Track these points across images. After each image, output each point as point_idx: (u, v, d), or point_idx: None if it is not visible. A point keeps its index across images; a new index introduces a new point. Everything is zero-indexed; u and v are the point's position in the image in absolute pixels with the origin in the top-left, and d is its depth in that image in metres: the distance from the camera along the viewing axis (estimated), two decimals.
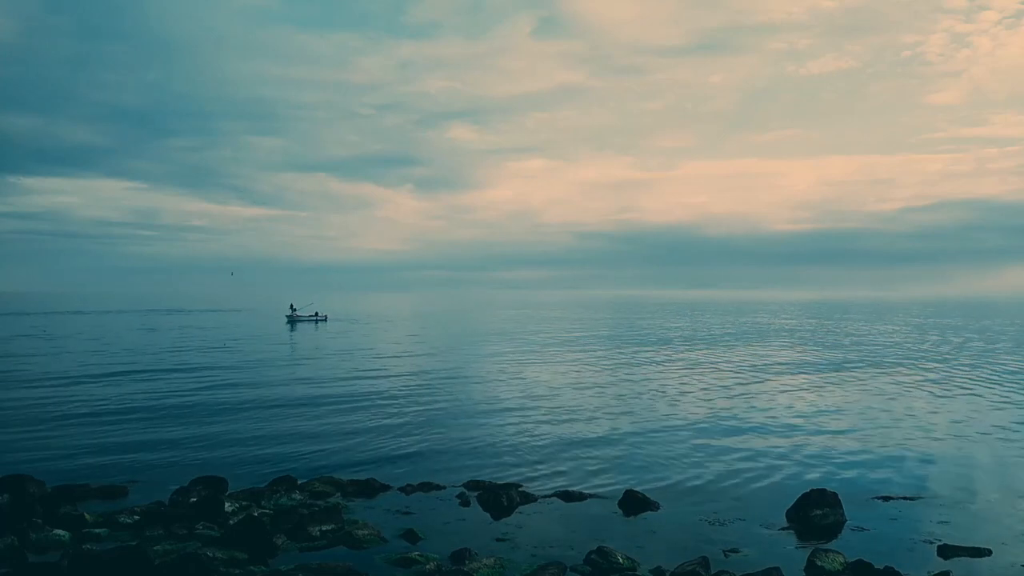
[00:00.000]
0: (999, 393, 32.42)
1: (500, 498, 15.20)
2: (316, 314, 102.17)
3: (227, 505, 14.18)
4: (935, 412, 27.27)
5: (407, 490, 16.29)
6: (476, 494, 15.89)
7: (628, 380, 37.03)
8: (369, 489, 16.17)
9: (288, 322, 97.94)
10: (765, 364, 44.92)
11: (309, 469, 17.98)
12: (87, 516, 13.56)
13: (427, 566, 11.55)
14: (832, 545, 12.73)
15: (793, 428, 24.06)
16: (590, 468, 18.64)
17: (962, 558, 12.20)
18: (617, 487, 16.36)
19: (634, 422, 25.06)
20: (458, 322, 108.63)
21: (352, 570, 11.20)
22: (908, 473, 18.25)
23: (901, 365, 44.60)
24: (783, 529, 13.91)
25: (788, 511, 14.57)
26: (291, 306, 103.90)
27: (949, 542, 12.81)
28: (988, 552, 12.40)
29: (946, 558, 12.25)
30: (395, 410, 27.11)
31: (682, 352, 54.00)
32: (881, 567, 11.24)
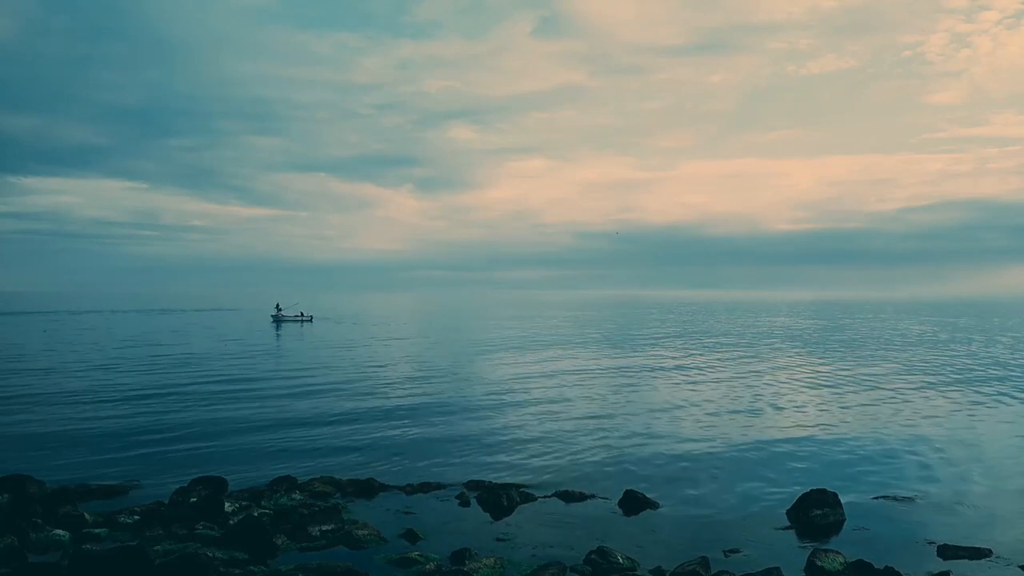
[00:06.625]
0: (1000, 394, 32.42)
1: (500, 498, 15.20)
2: (301, 314, 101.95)
3: (227, 505, 14.17)
4: (935, 412, 27.27)
5: (407, 490, 16.29)
6: (476, 494, 15.89)
7: (628, 380, 37.02)
8: (369, 489, 16.17)
9: (273, 322, 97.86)
10: (765, 364, 44.91)
11: (309, 469, 17.98)
12: (87, 516, 13.56)
13: (427, 566, 11.55)
14: (832, 545, 12.73)
15: (793, 428, 24.05)
16: (590, 468, 18.64)
17: (962, 558, 12.20)
18: (617, 487, 16.35)
19: (634, 422, 25.05)
20: (457, 322, 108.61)
21: (352, 570, 11.19)
22: (908, 473, 18.26)
23: (901, 365, 44.61)
24: (783, 529, 13.91)
25: (788, 511, 14.57)
26: (277, 306, 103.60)
27: (949, 542, 12.81)
28: (988, 552, 12.40)
29: (946, 558, 12.25)
30: (395, 410, 27.10)
31: (682, 353, 54.00)
32: (881, 567, 11.24)
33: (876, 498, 15.91)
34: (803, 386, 34.63)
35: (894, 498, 15.91)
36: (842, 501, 14.57)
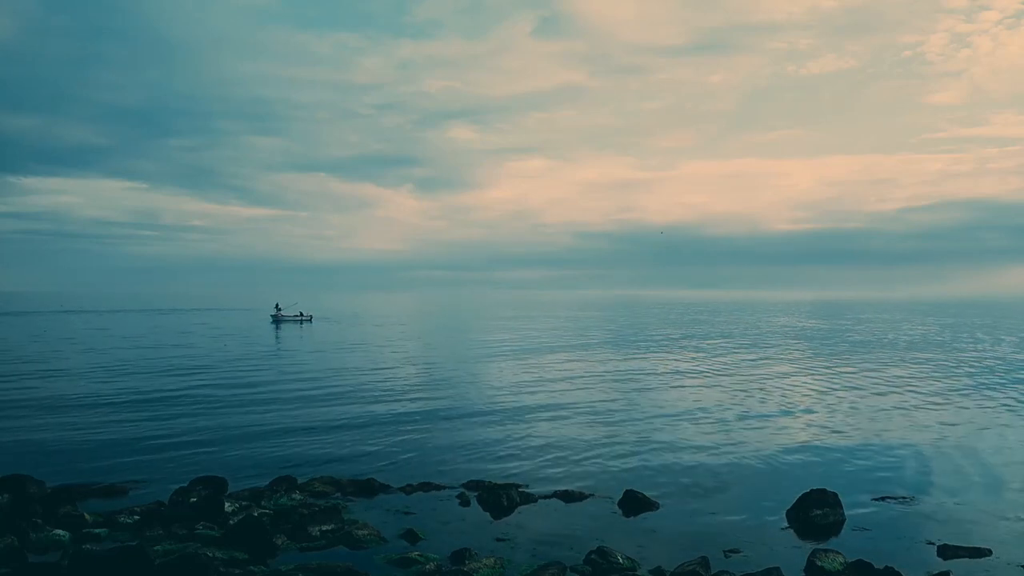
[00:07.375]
0: (1000, 394, 32.41)
1: (500, 498, 15.20)
2: (301, 314, 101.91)
3: (227, 505, 14.16)
4: (935, 412, 27.27)
5: (407, 490, 16.29)
6: (476, 494, 15.88)
7: (627, 380, 37.02)
8: (369, 489, 16.17)
9: (273, 322, 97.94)
10: (764, 364, 44.91)
11: (309, 469, 17.98)
12: (87, 516, 13.56)
13: (427, 566, 11.55)
14: (832, 545, 12.72)
15: (793, 428, 24.06)
16: (590, 468, 18.64)
17: (962, 558, 12.20)
18: (617, 487, 16.35)
19: (634, 422, 25.05)
20: (457, 323, 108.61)
21: (352, 570, 11.19)
22: (908, 473, 18.26)
23: (903, 366, 44.59)
24: (783, 529, 13.91)
25: (788, 511, 14.56)
26: (276, 305, 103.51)
27: (949, 542, 12.81)
28: (988, 552, 12.40)
29: (946, 558, 12.24)
30: (395, 411, 27.11)
31: (680, 353, 54.00)
32: (881, 567, 11.23)
33: (876, 498, 15.91)
34: (804, 387, 34.61)
35: (894, 498, 15.91)
36: (842, 501, 14.56)
